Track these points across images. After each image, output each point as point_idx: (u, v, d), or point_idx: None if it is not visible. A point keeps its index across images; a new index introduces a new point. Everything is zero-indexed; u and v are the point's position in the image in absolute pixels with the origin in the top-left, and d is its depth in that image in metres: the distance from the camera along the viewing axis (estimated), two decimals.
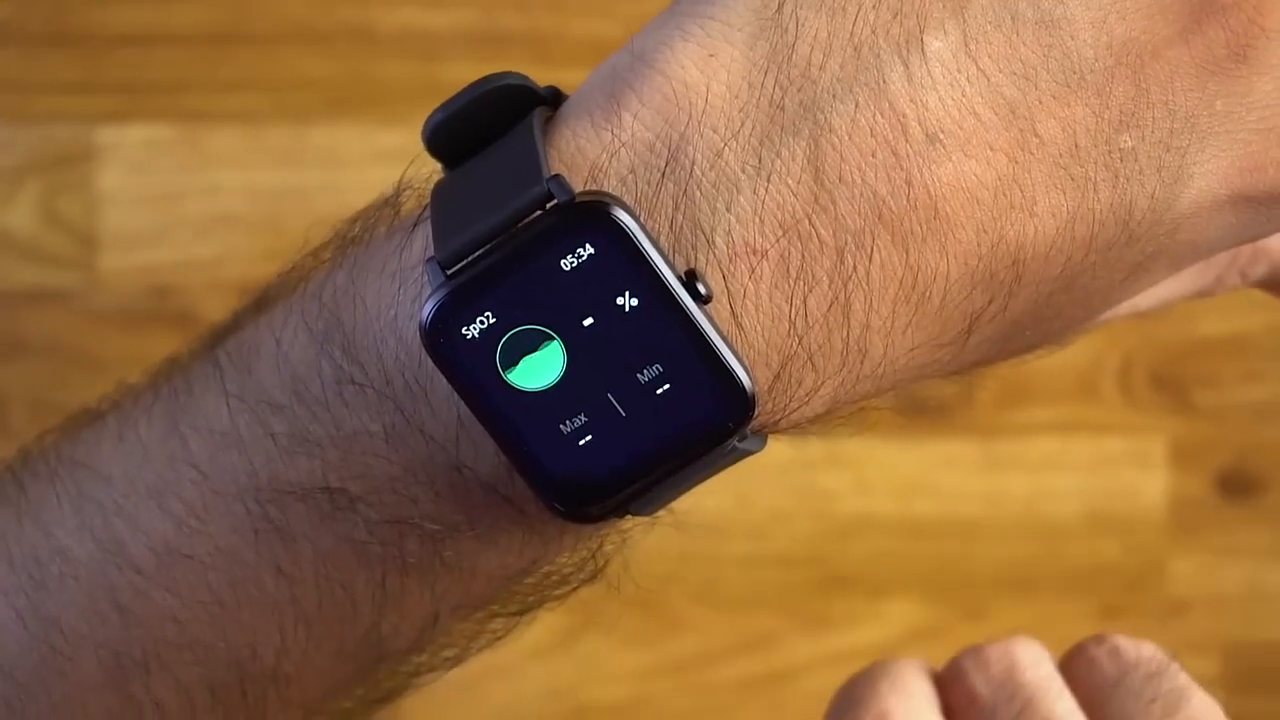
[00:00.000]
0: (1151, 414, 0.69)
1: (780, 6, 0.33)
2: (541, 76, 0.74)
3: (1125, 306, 0.40)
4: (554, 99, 0.35)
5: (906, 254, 0.33)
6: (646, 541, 0.69)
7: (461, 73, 0.63)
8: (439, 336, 0.32)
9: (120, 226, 0.64)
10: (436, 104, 0.67)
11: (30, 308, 0.64)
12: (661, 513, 0.34)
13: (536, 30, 0.66)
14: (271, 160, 0.64)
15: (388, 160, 0.64)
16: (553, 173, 0.32)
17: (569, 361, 0.32)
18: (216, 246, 0.64)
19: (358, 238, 0.36)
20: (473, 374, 0.32)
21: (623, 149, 0.33)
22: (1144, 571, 0.67)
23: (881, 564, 0.66)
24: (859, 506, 0.66)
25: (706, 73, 0.33)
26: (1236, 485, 0.69)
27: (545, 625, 0.65)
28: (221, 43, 0.64)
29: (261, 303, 0.37)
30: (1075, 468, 0.67)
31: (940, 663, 0.69)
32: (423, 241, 0.34)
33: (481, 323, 0.32)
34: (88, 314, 0.64)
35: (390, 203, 0.36)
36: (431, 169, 0.35)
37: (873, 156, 0.33)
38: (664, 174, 0.33)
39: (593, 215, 0.31)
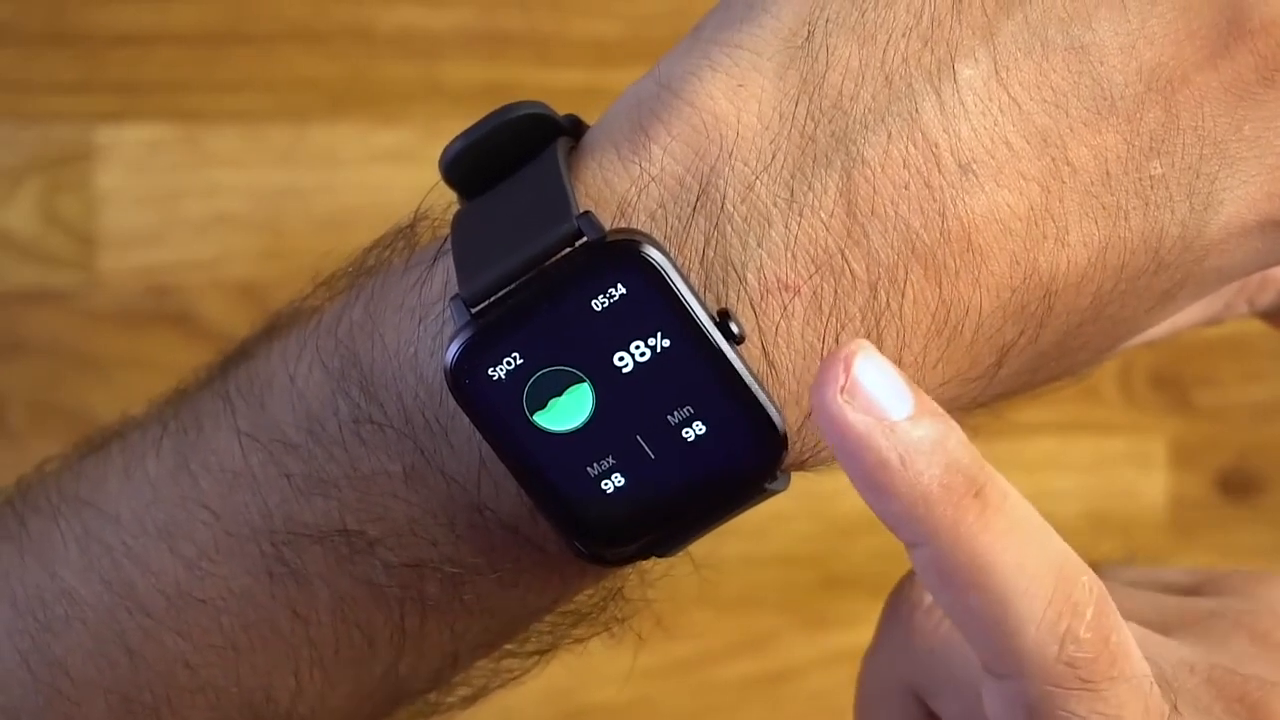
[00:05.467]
0: (1151, 414, 0.68)
1: (810, 35, 0.33)
2: (542, 76, 0.74)
3: (1139, 336, 0.40)
4: (575, 128, 0.35)
5: (940, 288, 0.32)
6: None
7: (461, 73, 0.63)
8: (464, 378, 0.31)
9: (119, 226, 0.64)
10: (436, 104, 0.67)
11: (29, 307, 0.64)
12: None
13: (537, 30, 0.66)
14: (270, 160, 0.64)
15: (387, 160, 0.64)
16: (582, 209, 0.31)
17: (598, 403, 0.31)
18: (216, 246, 0.64)
19: (373, 269, 0.35)
20: (499, 416, 0.31)
21: (652, 183, 0.32)
22: None
23: (881, 564, 0.66)
24: (859, 506, 0.66)
25: (736, 103, 0.32)
26: (1236, 485, 0.69)
27: None
28: (220, 43, 0.64)
29: (271, 331, 0.36)
30: (1075, 468, 0.67)
31: None
32: (443, 276, 0.33)
33: (509, 364, 0.31)
34: (87, 314, 0.64)
35: (405, 233, 0.35)
36: (448, 200, 0.34)
37: (906, 188, 0.32)
38: (695, 208, 0.32)
39: (625, 255, 0.31)
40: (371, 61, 0.64)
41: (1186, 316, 0.42)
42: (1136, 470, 0.68)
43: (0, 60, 0.64)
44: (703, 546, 0.65)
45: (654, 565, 0.34)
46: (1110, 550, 0.67)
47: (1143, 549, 0.67)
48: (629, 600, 0.37)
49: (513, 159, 0.34)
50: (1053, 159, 0.33)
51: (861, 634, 0.67)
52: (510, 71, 0.65)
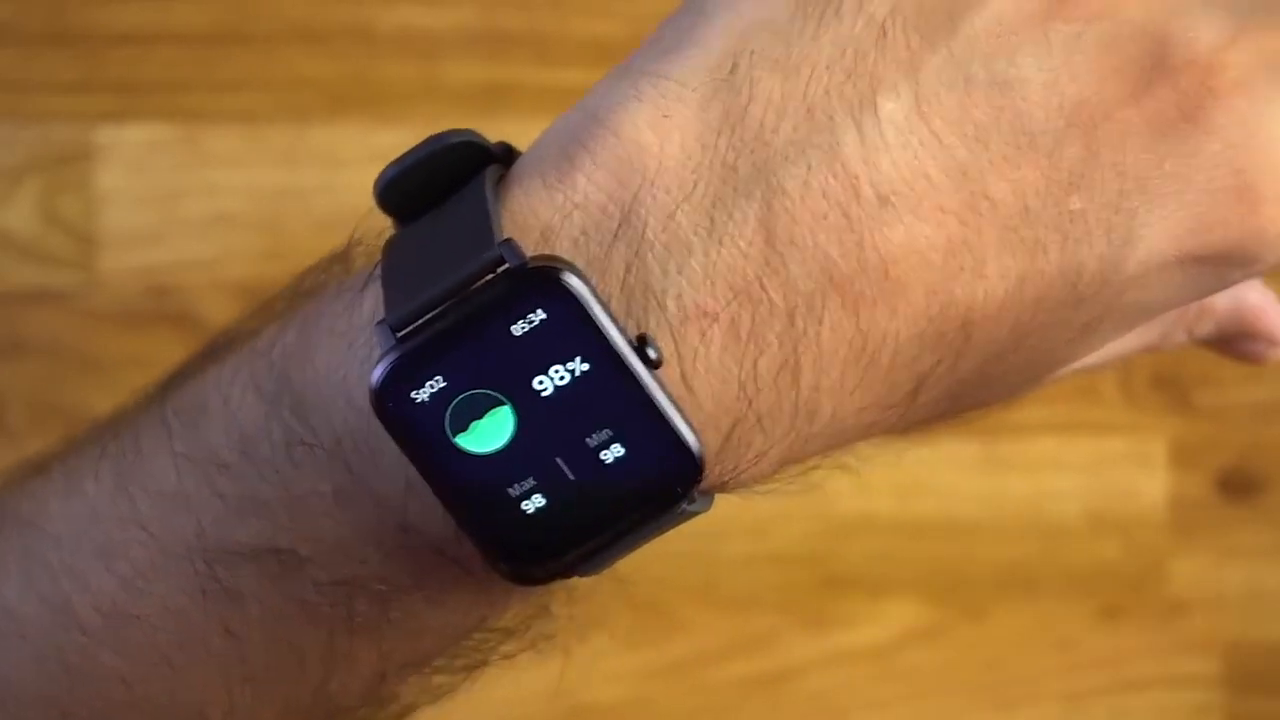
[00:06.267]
0: (1152, 414, 0.69)
1: (734, 67, 0.33)
2: (542, 76, 0.74)
3: (1071, 365, 0.40)
4: (506, 156, 0.35)
5: (857, 316, 0.33)
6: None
7: (461, 72, 0.63)
8: (388, 401, 0.32)
9: (119, 226, 0.64)
10: (436, 104, 0.67)
11: (29, 307, 0.64)
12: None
13: (536, 29, 0.66)
14: (271, 160, 0.64)
15: (386, 160, 0.64)
16: (504, 236, 0.32)
17: (518, 425, 0.32)
18: (216, 246, 0.64)
19: (308, 294, 0.36)
20: (422, 438, 0.32)
21: (575, 210, 0.33)
22: (1144, 572, 0.67)
23: (881, 564, 0.67)
24: (858, 506, 0.66)
25: (660, 134, 0.33)
26: (1237, 485, 0.69)
27: None
28: (220, 42, 0.64)
29: (208, 355, 0.37)
30: (1075, 468, 0.67)
31: (940, 667, 0.68)
32: (373, 302, 0.34)
33: (431, 387, 0.32)
34: (87, 314, 0.64)
35: (340, 258, 0.36)
36: (384, 225, 0.35)
37: (825, 219, 0.33)
38: (616, 236, 0.33)
39: (544, 281, 0.31)
40: (372, 61, 0.64)
41: (1121, 345, 0.42)
42: (1137, 470, 0.68)
43: (0, 60, 0.64)
44: (703, 546, 0.65)
45: (580, 583, 0.35)
46: (1111, 550, 0.67)
47: (1143, 549, 0.67)
48: (556, 617, 0.37)
49: (445, 186, 0.34)
50: (971, 193, 0.33)
51: (860, 634, 0.67)
52: (510, 71, 0.65)
